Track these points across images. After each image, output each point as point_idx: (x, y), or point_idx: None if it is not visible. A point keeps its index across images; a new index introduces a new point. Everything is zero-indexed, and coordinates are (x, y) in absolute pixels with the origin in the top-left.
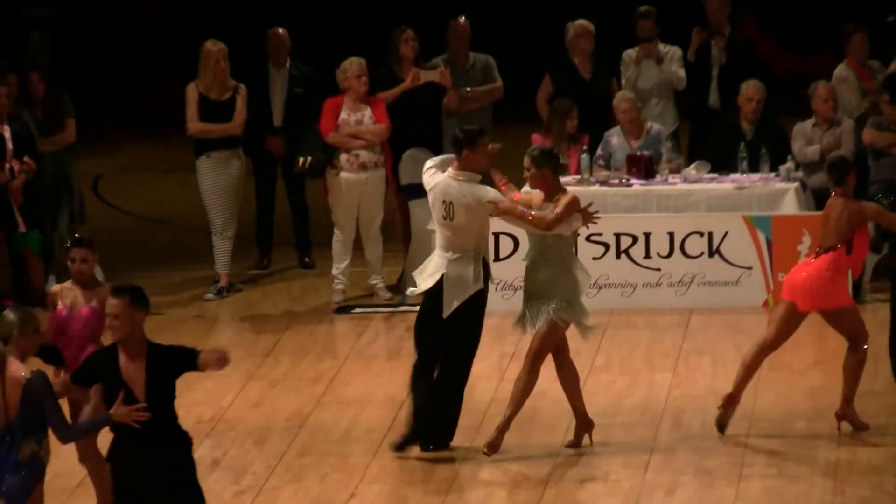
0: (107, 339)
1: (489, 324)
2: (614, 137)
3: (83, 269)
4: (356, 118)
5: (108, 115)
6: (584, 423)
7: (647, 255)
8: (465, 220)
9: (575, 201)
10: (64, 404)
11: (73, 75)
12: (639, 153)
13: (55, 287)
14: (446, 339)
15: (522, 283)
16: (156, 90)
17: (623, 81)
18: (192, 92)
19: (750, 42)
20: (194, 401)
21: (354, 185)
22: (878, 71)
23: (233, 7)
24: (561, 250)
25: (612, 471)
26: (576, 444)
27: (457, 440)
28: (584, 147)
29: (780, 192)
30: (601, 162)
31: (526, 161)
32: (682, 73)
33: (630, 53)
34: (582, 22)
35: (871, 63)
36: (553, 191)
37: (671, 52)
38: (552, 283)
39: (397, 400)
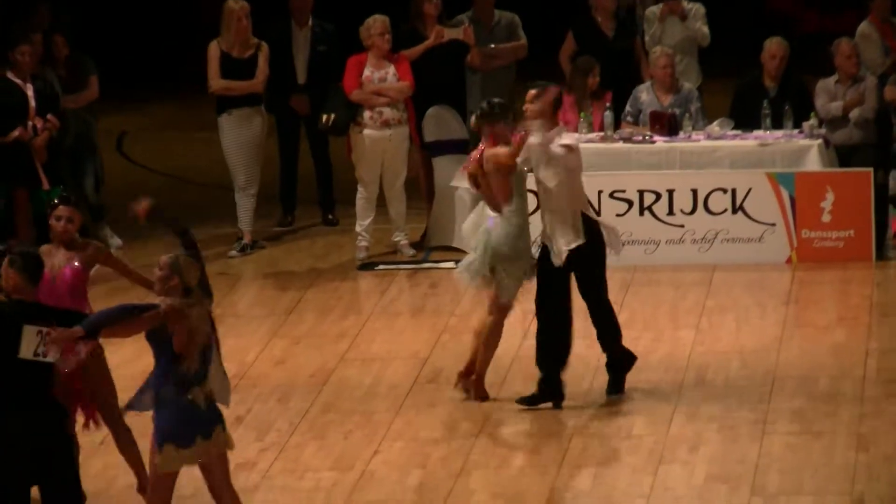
0: (93, 298)
1: None
2: (644, 94)
3: (69, 228)
4: (380, 75)
5: (132, 73)
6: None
7: (671, 212)
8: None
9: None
10: None
11: (97, 34)
12: (667, 110)
13: (42, 247)
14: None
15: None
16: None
17: (647, 38)
18: (213, 50)
19: None
20: None
21: (378, 142)
22: None
23: None
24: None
25: (636, 426)
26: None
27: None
28: (608, 104)
29: (803, 149)
30: (629, 118)
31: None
32: (705, 29)
33: (654, 10)
34: None
35: (894, 20)
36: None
37: (694, 8)
38: None
39: (420, 356)
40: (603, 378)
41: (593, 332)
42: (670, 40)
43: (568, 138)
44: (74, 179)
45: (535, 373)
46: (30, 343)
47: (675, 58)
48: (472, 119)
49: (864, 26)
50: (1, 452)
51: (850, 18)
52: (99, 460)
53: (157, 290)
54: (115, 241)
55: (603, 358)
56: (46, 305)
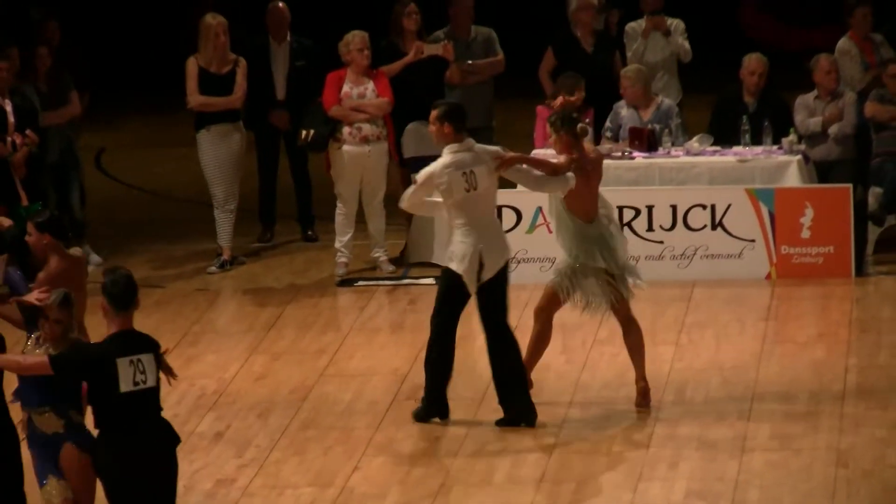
0: None
1: None
2: (623, 109)
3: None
4: (359, 91)
5: (111, 88)
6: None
7: (650, 228)
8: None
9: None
10: None
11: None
12: (646, 126)
13: None
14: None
15: (523, 256)
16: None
17: (629, 54)
18: (192, 65)
19: None
20: (197, 373)
21: (357, 158)
22: (881, 44)
23: None
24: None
25: (616, 443)
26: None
27: (460, 413)
28: (587, 120)
29: (782, 165)
30: (609, 134)
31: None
32: (687, 45)
33: (634, 26)
34: None
35: (873, 36)
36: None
37: (675, 24)
38: None
39: (400, 373)
40: (582, 394)
41: (573, 346)
42: (653, 57)
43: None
44: (59, 195)
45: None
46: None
47: (644, 73)
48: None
49: (843, 42)
50: (128, 480)
51: (827, 34)
52: None
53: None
54: (95, 258)
55: (584, 372)
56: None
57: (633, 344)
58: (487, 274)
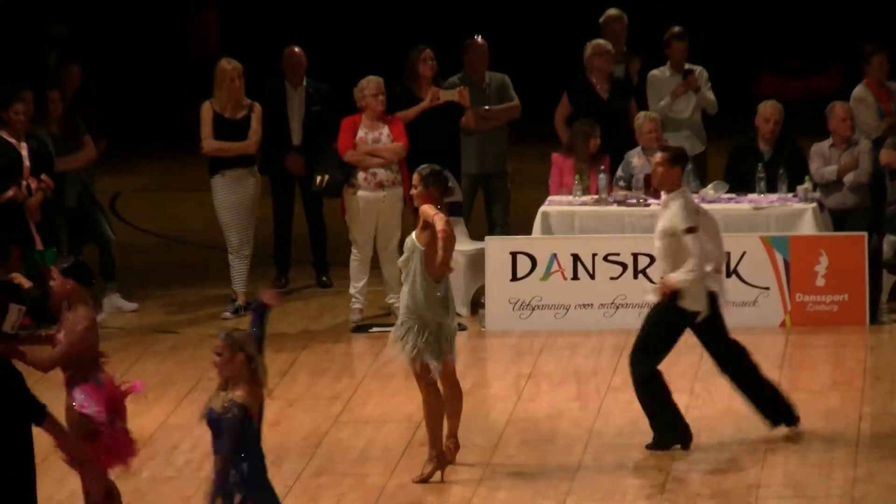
0: None
1: (506, 343)
2: (635, 158)
3: None
4: (373, 136)
5: (126, 133)
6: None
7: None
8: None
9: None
10: None
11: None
12: None
13: None
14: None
15: (538, 303)
16: (176, 108)
17: (650, 105)
18: (206, 110)
19: None
20: None
21: (372, 203)
22: None
23: (249, 26)
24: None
25: (629, 492)
26: (425, 479)
27: (472, 459)
28: (602, 167)
29: (797, 213)
30: (622, 183)
31: (415, 178)
32: (711, 96)
33: (657, 74)
34: (600, 41)
35: (889, 84)
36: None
37: (697, 71)
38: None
39: (415, 419)
40: (596, 441)
41: (587, 393)
42: (681, 113)
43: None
44: (74, 241)
45: (530, 437)
46: None
47: (658, 122)
48: (415, 177)
49: (859, 90)
50: None
51: (833, 78)
52: None
53: (223, 375)
54: (130, 305)
55: (599, 420)
56: None
57: (457, 405)
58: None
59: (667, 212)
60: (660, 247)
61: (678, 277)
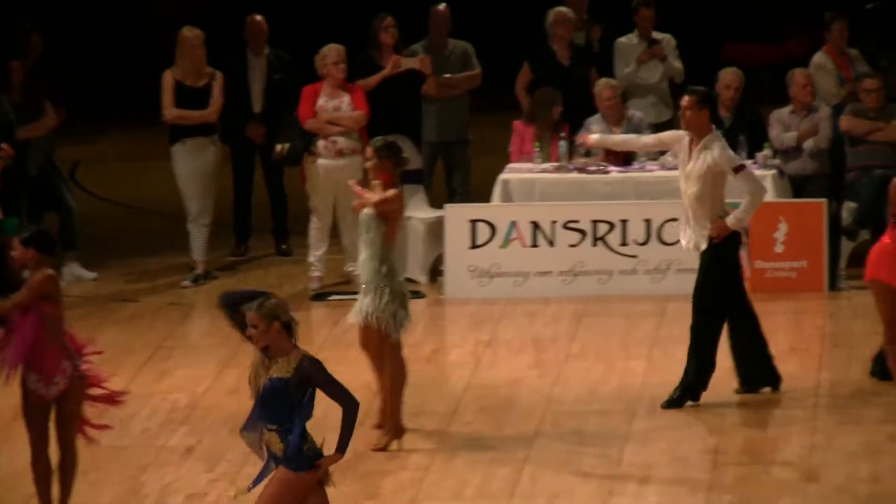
0: None
1: (464, 310)
2: (595, 125)
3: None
4: (334, 105)
5: (87, 102)
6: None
7: (624, 243)
8: None
9: (396, 199)
10: None
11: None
12: None
13: None
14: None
15: (497, 270)
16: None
17: (617, 72)
18: (168, 78)
19: None
20: (170, 388)
21: (332, 171)
22: (856, 59)
23: None
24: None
25: (587, 458)
26: (383, 447)
27: (430, 426)
28: (563, 135)
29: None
30: (582, 150)
31: (368, 151)
32: (678, 65)
33: (625, 41)
34: (561, 9)
35: (849, 51)
36: (393, 184)
37: (665, 40)
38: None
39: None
40: (555, 408)
41: (545, 361)
42: (646, 80)
43: None
44: (35, 210)
45: (488, 404)
46: None
47: (618, 89)
48: (368, 150)
49: (818, 57)
50: None
51: (798, 45)
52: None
53: (260, 345)
54: (89, 274)
55: (557, 387)
56: None
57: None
58: None
59: (706, 153)
60: (695, 191)
61: (739, 216)
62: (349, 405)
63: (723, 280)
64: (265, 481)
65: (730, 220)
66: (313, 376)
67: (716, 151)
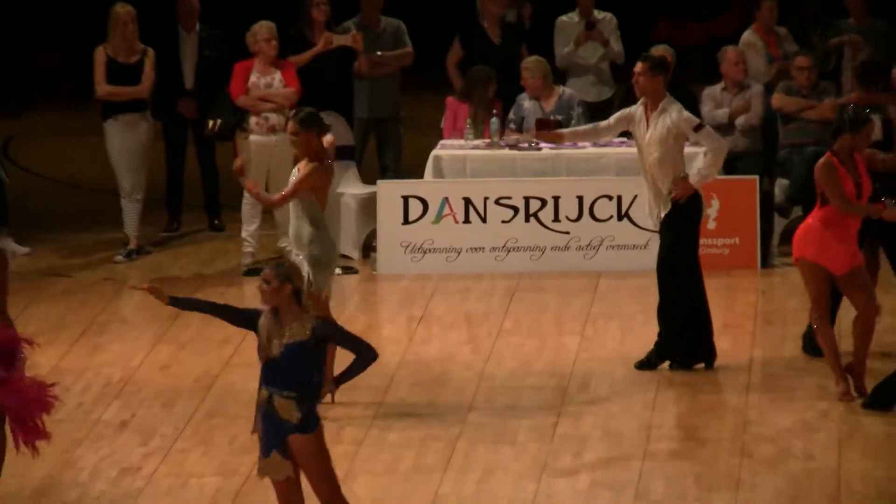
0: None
1: (397, 286)
2: (526, 101)
3: None
4: (266, 81)
5: (18, 77)
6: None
7: (556, 219)
8: None
9: (311, 175)
10: None
11: None
12: (550, 117)
13: None
14: None
15: (430, 246)
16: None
17: (557, 51)
18: (100, 55)
19: None
20: (103, 362)
21: (264, 147)
22: (785, 38)
23: None
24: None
25: (520, 433)
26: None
27: (365, 400)
28: (495, 112)
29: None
30: (513, 126)
31: (291, 126)
32: (618, 47)
33: (565, 20)
34: None
35: (777, 30)
36: (318, 156)
37: (606, 19)
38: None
39: None
40: (487, 384)
41: (478, 336)
42: (585, 60)
43: None
44: None
45: (421, 379)
46: None
47: (544, 65)
48: (291, 124)
49: (748, 35)
50: None
51: (730, 23)
52: None
53: (269, 303)
54: (22, 249)
55: (490, 362)
56: None
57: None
58: None
59: (664, 117)
60: (657, 156)
61: (703, 173)
62: (366, 353)
63: (690, 245)
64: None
65: (693, 179)
66: (330, 333)
67: (674, 114)
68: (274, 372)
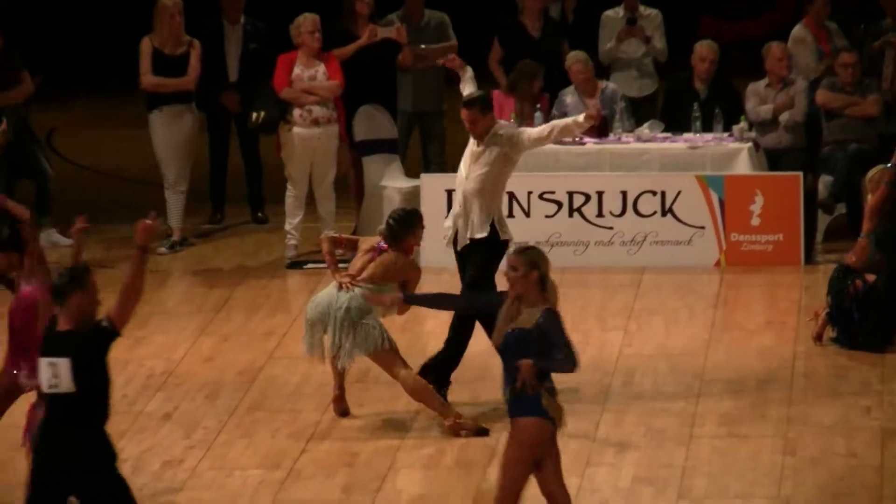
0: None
1: (441, 279)
2: (568, 97)
3: None
4: (309, 74)
5: (62, 68)
6: None
7: (600, 214)
8: None
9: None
10: None
11: (27, 28)
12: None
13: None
14: None
15: None
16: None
17: (601, 46)
18: (146, 46)
19: None
20: (146, 354)
21: (307, 140)
22: (836, 33)
23: None
24: None
25: (564, 429)
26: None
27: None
28: (539, 106)
29: (733, 152)
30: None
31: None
32: (661, 44)
33: (610, 15)
34: None
35: (829, 25)
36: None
37: (651, 16)
38: None
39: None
40: None
41: None
42: (626, 56)
43: None
44: (15, 177)
45: (463, 374)
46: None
47: (588, 61)
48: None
49: (798, 30)
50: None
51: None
52: None
53: (515, 290)
54: (66, 240)
55: None
56: None
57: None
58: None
59: (497, 144)
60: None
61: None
62: (569, 362)
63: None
64: None
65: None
66: (549, 331)
67: (505, 133)
68: (503, 362)
